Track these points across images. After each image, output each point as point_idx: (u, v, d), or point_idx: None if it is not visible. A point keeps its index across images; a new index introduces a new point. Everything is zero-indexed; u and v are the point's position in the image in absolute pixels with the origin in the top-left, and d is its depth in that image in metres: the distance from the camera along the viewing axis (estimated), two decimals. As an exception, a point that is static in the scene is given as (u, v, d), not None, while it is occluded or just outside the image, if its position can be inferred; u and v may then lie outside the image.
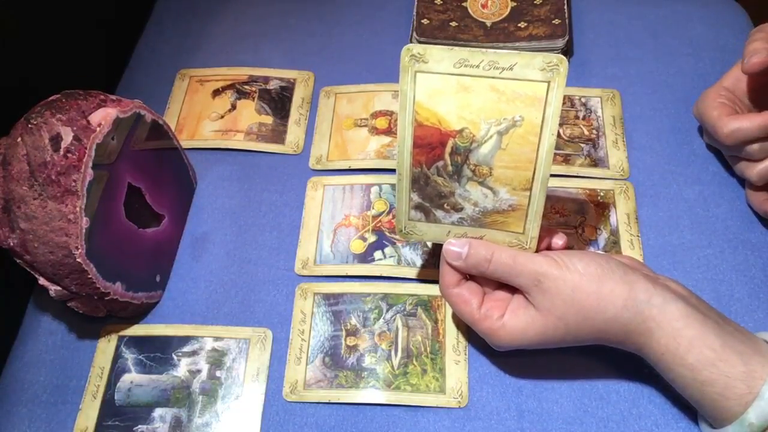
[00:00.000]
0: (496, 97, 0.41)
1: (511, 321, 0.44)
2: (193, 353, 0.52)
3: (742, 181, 0.57)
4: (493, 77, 0.41)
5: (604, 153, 0.60)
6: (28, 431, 0.50)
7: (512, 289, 0.46)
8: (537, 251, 0.46)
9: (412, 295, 0.54)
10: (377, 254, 0.56)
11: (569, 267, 0.43)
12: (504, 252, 0.45)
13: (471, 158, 0.44)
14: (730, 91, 0.56)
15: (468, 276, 0.47)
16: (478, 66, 0.41)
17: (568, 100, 0.63)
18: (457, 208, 0.46)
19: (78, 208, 0.44)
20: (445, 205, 0.46)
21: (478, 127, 0.42)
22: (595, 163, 0.60)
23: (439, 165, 0.44)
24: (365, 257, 0.56)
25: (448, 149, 0.44)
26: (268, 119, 0.65)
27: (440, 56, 0.41)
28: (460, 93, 0.42)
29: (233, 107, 0.66)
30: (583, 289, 0.43)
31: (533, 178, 0.43)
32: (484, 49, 0.41)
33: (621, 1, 0.71)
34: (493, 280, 0.46)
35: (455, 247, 0.46)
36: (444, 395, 0.49)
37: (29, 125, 0.45)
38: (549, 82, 0.40)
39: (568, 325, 0.43)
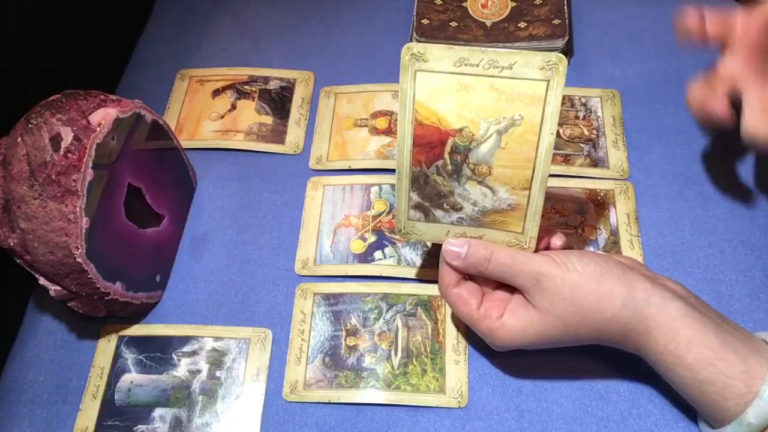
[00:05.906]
0: (496, 96, 0.41)
1: (510, 320, 0.44)
2: (193, 353, 0.52)
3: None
4: (492, 76, 0.41)
5: (604, 153, 0.60)
6: (28, 431, 0.50)
7: (511, 289, 0.46)
8: (536, 251, 0.46)
9: (412, 295, 0.54)
10: (377, 254, 0.56)
11: (568, 266, 0.43)
12: (503, 251, 0.45)
13: (470, 157, 0.44)
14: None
15: (467, 276, 0.47)
16: (477, 65, 0.41)
17: (568, 100, 0.63)
18: (457, 208, 0.46)
19: (78, 208, 0.44)
20: (445, 205, 0.46)
21: (478, 126, 0.42)
22: (595, 163, 0.60)
23: (438, 164, 0.44)
24: (365, 257, 0.56)
25: (447, 148, 0.44)
26: (268, 119, 0.65)
27: (440, 55, 0.41)
28: (460, 92, 0.42)
29: (233, 107, 0.66)
30: (582, 288, 0.43)
31: (532, 178, 0.43)
32: (483, 48, 0.41)
33: (621, 1, 0.71)
34: (492, 279, 0.46)
35: (454, 246, 0.46)
36: (444, 395, 0.49)
37: (29, 125, 0.45)
38: (548, 81, 0.40)
39: (567, 325, 0.43)
